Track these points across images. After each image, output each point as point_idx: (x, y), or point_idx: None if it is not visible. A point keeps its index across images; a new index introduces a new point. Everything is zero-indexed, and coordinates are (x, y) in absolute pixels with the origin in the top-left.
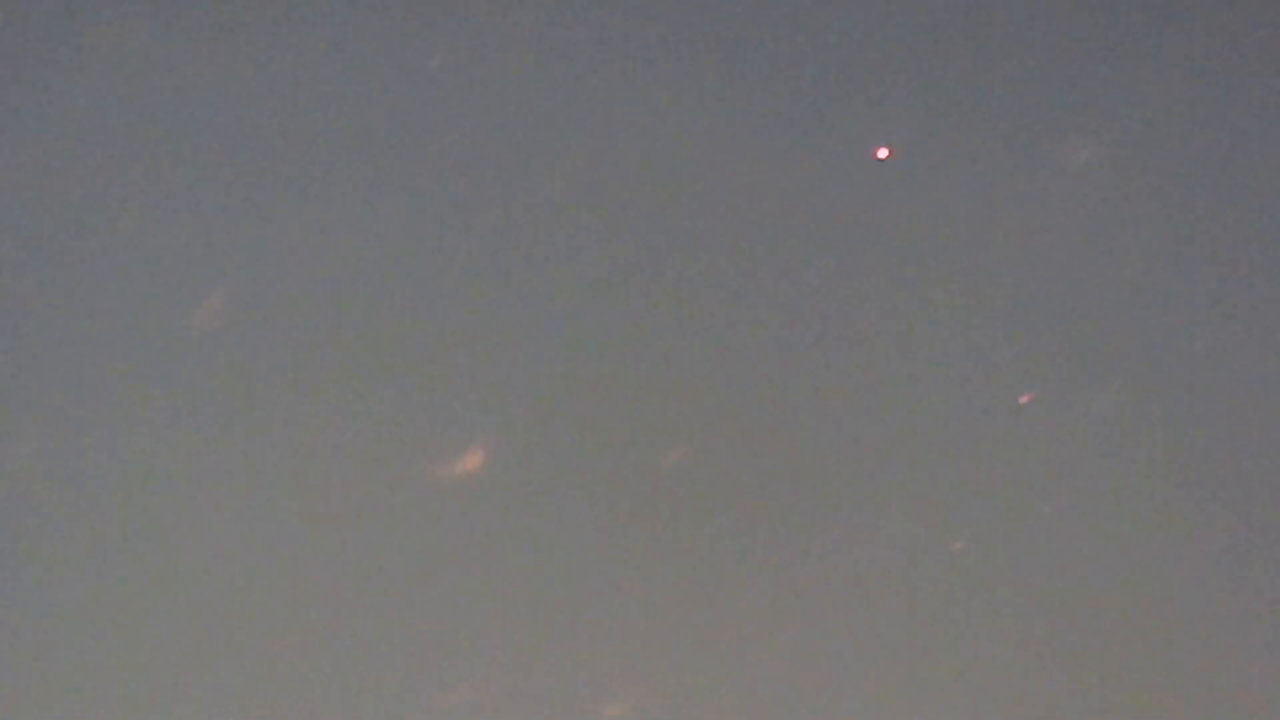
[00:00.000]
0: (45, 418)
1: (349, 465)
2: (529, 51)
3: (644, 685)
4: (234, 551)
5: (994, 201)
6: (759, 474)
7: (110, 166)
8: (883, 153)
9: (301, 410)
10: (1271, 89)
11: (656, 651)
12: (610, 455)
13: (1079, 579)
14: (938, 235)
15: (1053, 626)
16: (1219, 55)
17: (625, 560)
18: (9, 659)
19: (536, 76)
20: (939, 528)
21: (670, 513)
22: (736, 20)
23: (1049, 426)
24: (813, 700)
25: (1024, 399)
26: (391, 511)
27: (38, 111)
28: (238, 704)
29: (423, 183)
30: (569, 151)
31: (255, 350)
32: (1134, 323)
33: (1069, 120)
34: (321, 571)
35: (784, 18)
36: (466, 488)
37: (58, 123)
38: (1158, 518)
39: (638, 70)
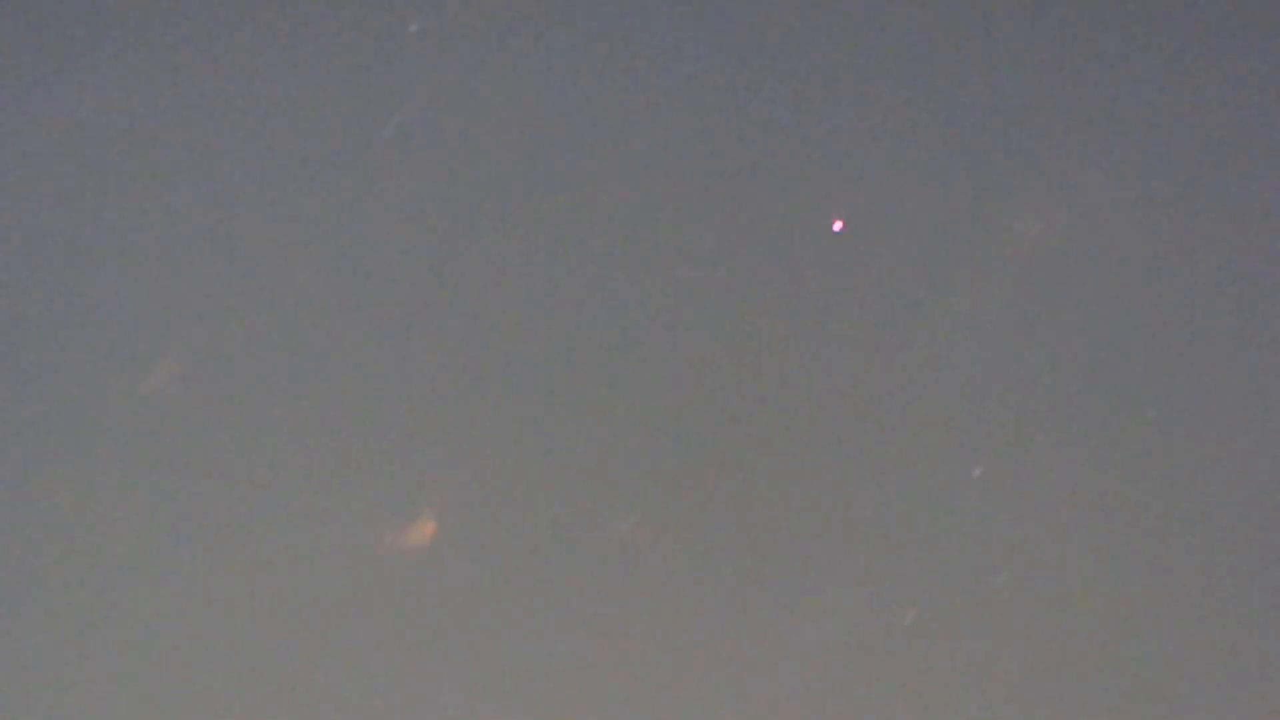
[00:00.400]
0: None
1: (298, 535)
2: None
3: None
4: (177, 619)
5: (949, 272)
6: (710, 545)
7: (65, 230)
8: (838, 225)
9: (251, 480)
10: (1220, 165)
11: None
12: (560, 525)
13: (1031, 650)
14: (893, 306)
15: (1005, 698)
16: (1171, 131)
17: (574, 629)
18: None
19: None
20: (891, 600)
21: (620, 583)
22: (673, 111)
23: (1002, 499)
24: None
25: (977, 472)
26: (340, 582)
27: None
28: None
29: (368, 262)
30: (501, 238)
31: (205, 418)
32: (1086, 394)
33: (1024, 193)
34: (268, 641)
35: (741, 90)
36: (417, 558)
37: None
38: (1108, 590)
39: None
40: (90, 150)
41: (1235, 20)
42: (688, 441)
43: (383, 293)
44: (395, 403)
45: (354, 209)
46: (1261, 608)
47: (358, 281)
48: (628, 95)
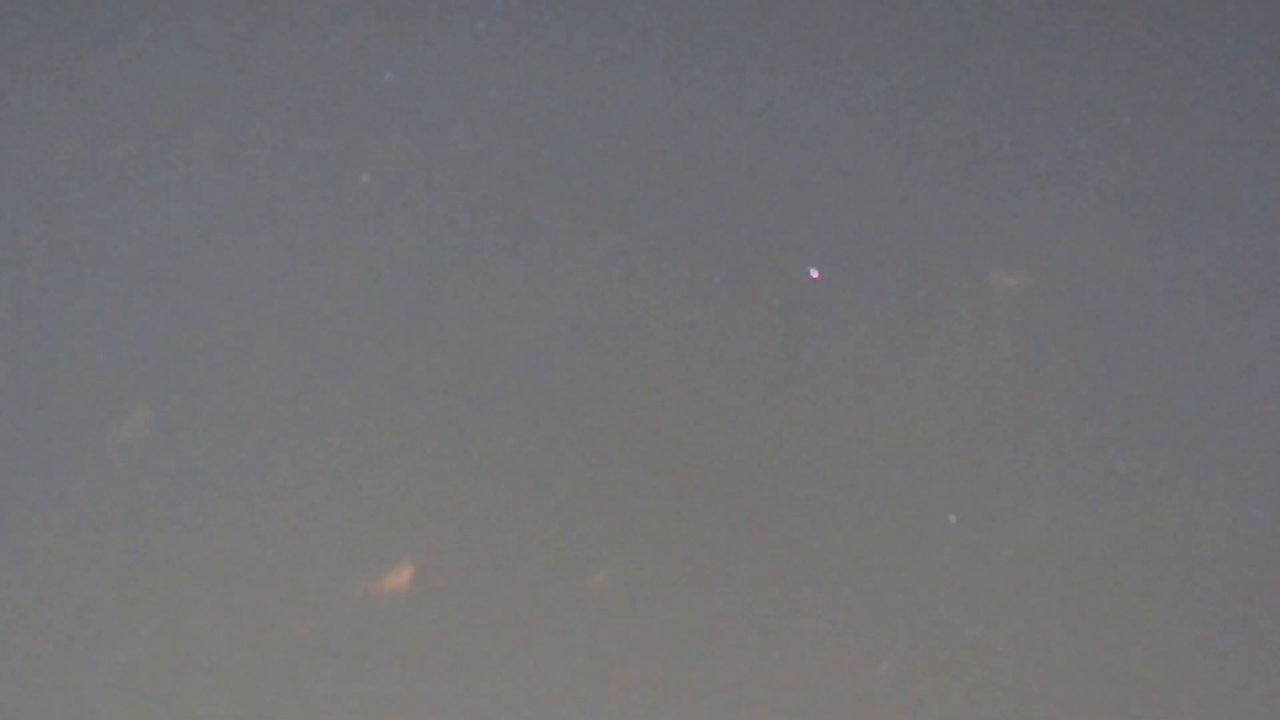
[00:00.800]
0: None
1: (276, 581)
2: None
3: None
4: (154, 662)
5: (923, 323)
6: (679, 599)
7: (38, 274)
8: (815, 274)
9: (227, 525)
10: (1188, 220)
11: None
12: (536, 575)
13: (1005, 702)
14: (869, 357)
15: None
16: (1139, 189)
17: (548, 676)
18: None
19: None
20: (866, 648)
21: (593, 632)
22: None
23: (976, 546)
24: None
25: (953, 518)
26: (318, 627)
27: None
28: None
29: (344, 316)
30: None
31: (179, 465)
32: (1058, 445)
33: (997, 249)
34: (246, 689)
35: (721, 146)
36: (394, 604)
37: None
38: (1078, 641)
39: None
40: (71, 184)
41: (1208, 66)
42: (668, 491)
43: (359, 346)
44: (373, 450)
45: (329, 257)
46: (1243, 659)
47: (333, 335)
48: (610, 126)
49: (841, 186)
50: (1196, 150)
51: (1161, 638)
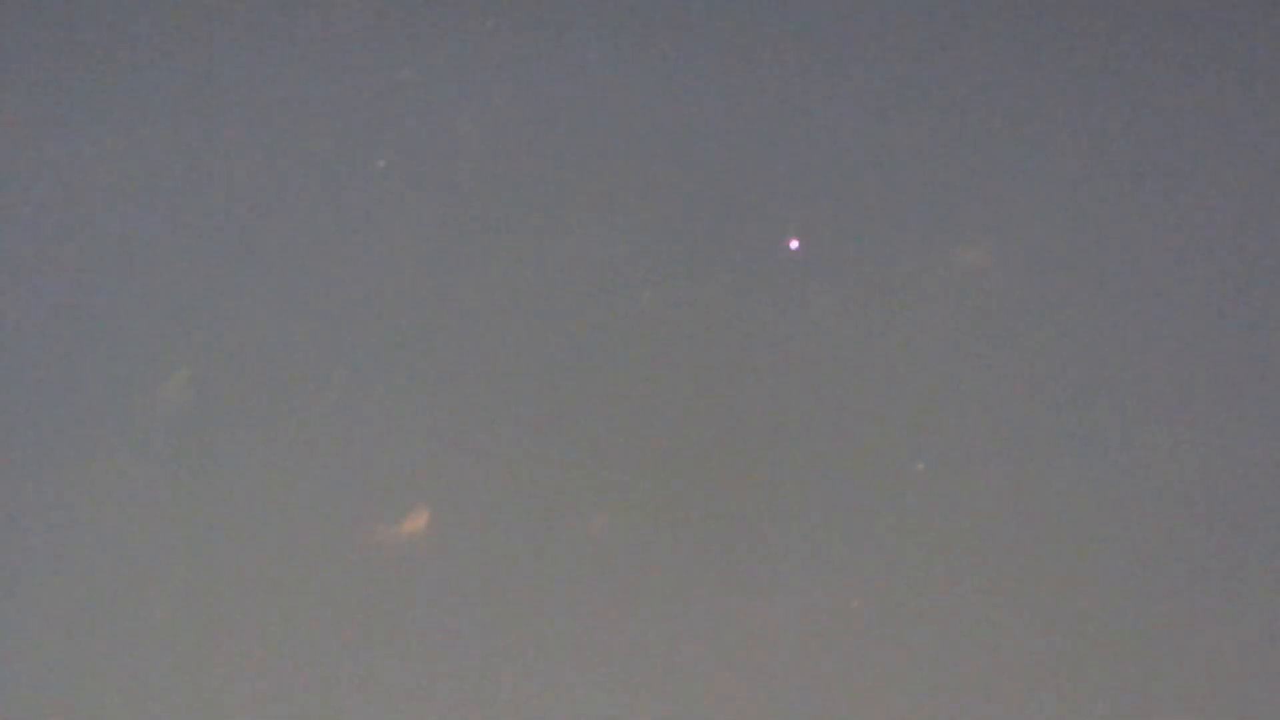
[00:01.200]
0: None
1: (304, 527)
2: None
3: None
4: (188, 606)
5: (895, 294)
6: (671, 538)
7: (86, 248)
8: (794, 244)
9: (258, 477)
10: (1146, 197)
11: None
12: (540, 516)
13: (967, 639)
14: (846, 325)
15: (940, 686)
16: (1098, 165)
17: (553, 611)
18: None
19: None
20: (839, 586)
21: (595, 570)
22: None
23: (943, 491)
24: None
25: (920, 467)
26: (339, 571)
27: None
28: None
29: (366, 282)
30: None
31: (215, 418)
32: (1014, 399)
33: (958, 224)
34: (271, 630)
35: (710, 142)
36: (410, 547)
37: (36, 202)
38: (1042, 584)
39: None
40: (114, 177)
41: (1167, 57)
42: (661, 444)
43: (381, 313)
44: (394, 408)
45: (352, 223)
46: (1190, 592)
47: (357, 300)
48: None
49: (815, 166)
50: (1152, 132)
51: (1113, 576)
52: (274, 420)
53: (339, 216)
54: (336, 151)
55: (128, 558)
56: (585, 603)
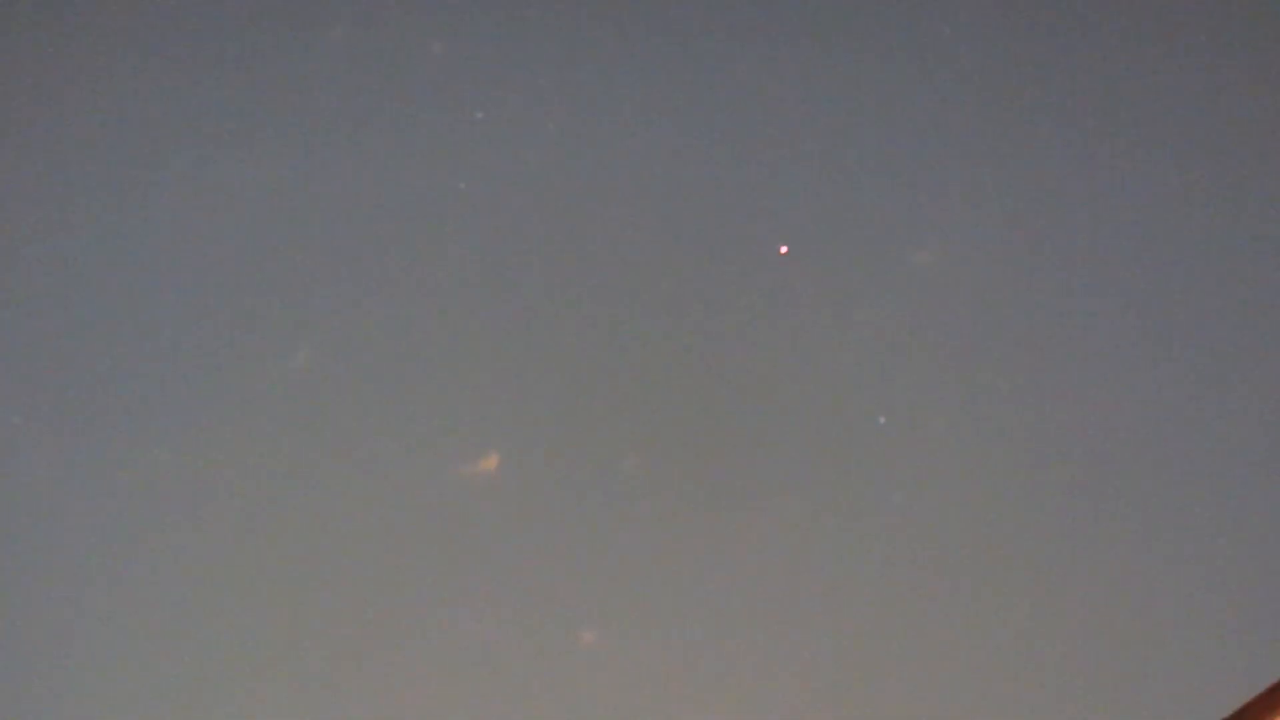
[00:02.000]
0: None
1: (390, 466)
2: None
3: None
4: (307, 527)
5: (854, 289)
6: (687, 477)
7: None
8: (784, 249)
9: (359, 428)
10: (1095, 195)
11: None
12: (577, 462)
13: (923, 579)
14: (821, 307)
15: (891, 623)
16: (1051, 170)
17: (584, 533)
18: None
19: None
20: (817, 519)
21: (626, 505)
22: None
23: (901, 442)
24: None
25: (881, 420)
26: (420, 507)
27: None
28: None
29: (443, 255)
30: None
31: (328, 382)
32: (959, 366)
33: (913, 224)
34: (377, 551)
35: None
36: (483, 486)
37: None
38: (995, 533)
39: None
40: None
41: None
42: (677, 393)
43: (459, 289)
44: (471, 366)
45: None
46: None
47: (435, 280)
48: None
49: (800, 173)
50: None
51: (1073, 520)
52: (374, 384)
53: (431, 222)
54: (426, 168)
55: (269, 497)
56: (615, 532)
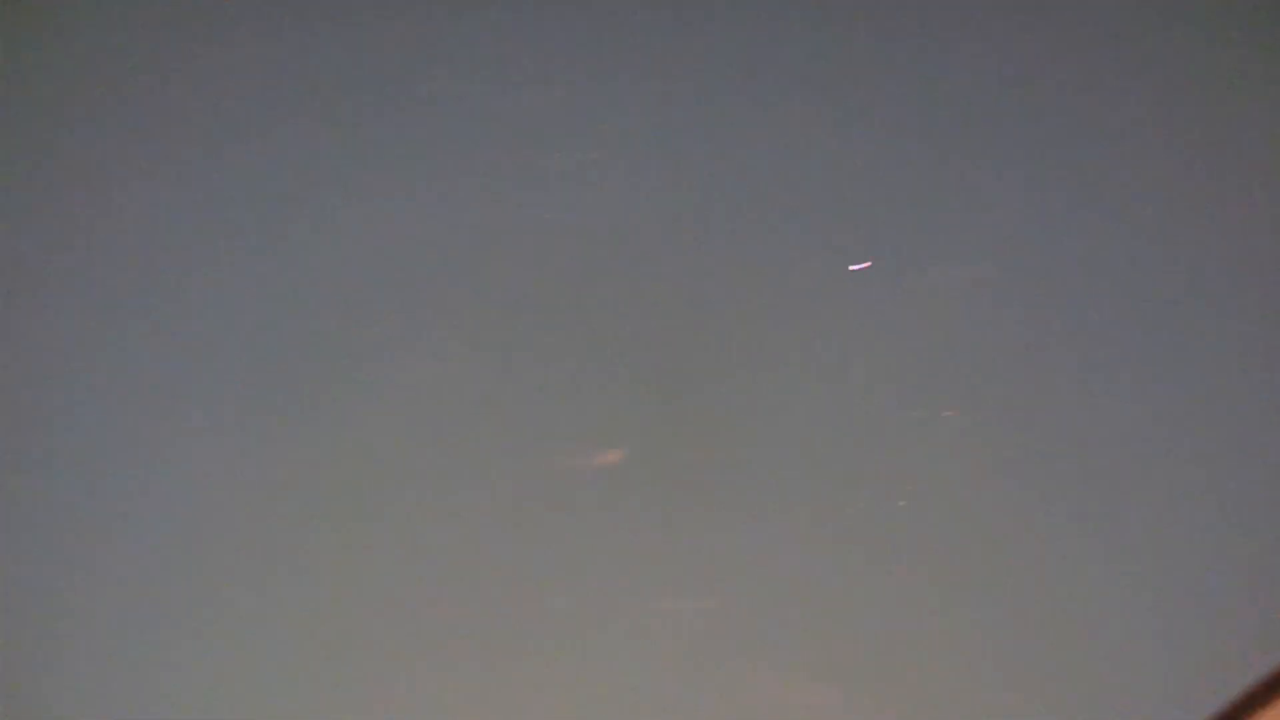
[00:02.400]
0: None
1: (496, 454)
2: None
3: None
4: (385, 531)
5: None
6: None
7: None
8: (859, 266)
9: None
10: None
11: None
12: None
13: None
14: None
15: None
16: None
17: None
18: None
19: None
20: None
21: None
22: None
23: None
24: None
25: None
26: (524, 498)
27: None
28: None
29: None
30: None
31: (435, 371)
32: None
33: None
34: (481, 539)
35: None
36: (588, 474)
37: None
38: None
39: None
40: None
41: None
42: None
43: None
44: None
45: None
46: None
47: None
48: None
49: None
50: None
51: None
52: (468, 366)
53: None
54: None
55: (344, 474)
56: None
